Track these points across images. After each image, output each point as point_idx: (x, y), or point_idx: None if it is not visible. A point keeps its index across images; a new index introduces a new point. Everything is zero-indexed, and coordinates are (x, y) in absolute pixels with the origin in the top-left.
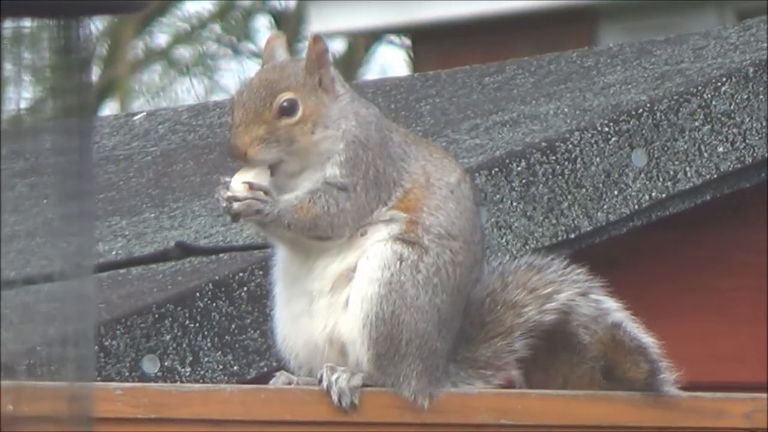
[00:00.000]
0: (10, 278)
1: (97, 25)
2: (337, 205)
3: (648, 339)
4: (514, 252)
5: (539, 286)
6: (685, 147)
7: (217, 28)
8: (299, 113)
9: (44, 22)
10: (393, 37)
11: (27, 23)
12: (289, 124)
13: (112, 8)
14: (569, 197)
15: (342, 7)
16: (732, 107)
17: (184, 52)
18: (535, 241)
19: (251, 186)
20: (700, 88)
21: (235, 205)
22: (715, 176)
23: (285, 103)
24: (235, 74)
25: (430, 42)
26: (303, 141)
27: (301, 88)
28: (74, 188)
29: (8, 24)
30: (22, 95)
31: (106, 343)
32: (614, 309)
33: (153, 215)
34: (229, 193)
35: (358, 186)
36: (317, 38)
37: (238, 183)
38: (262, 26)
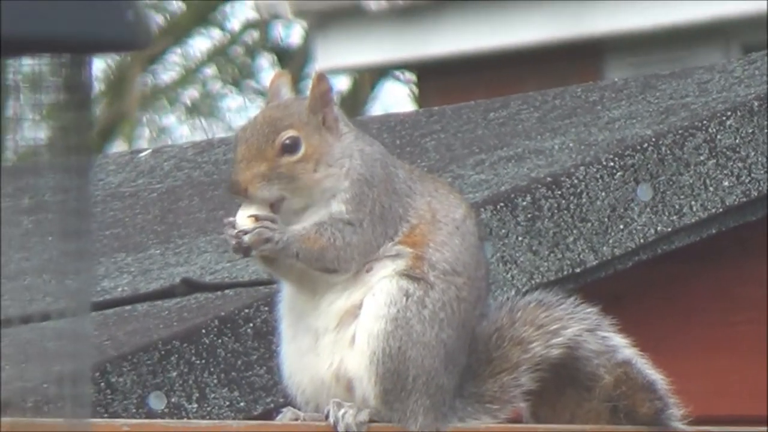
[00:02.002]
0: (10, 316)
1: (105, 61)
2: (343, 239)
3: (656, 375)
4: (520, 287)
5: (547, 323)
6: (691, 181)
7: (220, 66)
8: (301, 151)
9: (46, 60)
10: (398, 73)
11: (29, 61)
12: (291, 161)
13: (116, 46)
14: (575, 232)
15: (347, 43)
16: (737, 141)
17: (188, 91)
18: (540, 276)
19: (257, 218)
20: (705, 122)
21: (246, 237)
22: (721, 210)
23: (287, 141)
24: (240, 112)
25: (434, 77)
26: (305, 179)
27: (305, 127)
28: (74, 226)
29: (10, 62)
30: (24, 134)
31: (113, 380)
32: (622, 345)
33: (158, 251)
34: (237, 229)
35: (365, 222)
36: (321, 77)
37: (244, 218)
38: (267, 64)
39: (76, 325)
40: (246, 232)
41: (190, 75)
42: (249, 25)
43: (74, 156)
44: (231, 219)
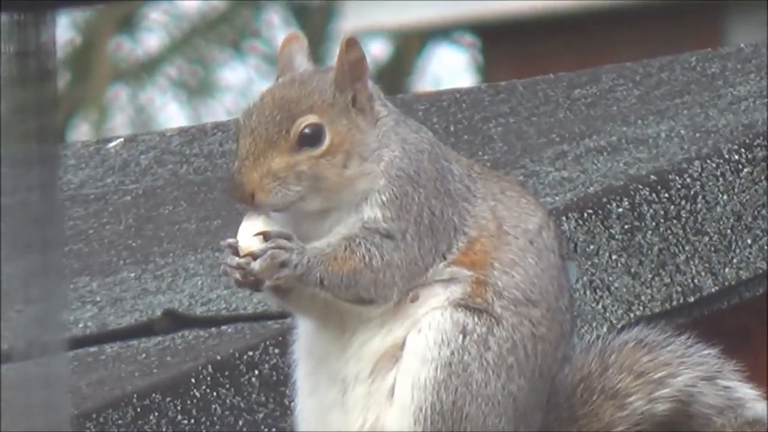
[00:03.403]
0: None
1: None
2: (381, 258)
3: None
4: (614, 321)
5: (650, 370)
6: None
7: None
8: (326, 142)
9: None
10: (455, 35)
11: None
12: (313, 156)
13: None
14: (687, 248)
15: None
16: None
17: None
18: (641, 307)
19: (267, 235)
20: None
21: (255, 265)
22: None
23: (307, 130)
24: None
25: (502, 42)
26: (332, 178)
27: (329, 109)
28: (36, 237)
29: None
30: None
31: None
32: (751, 398)
33: (133, 274)
34: (241, 255)
35: (408, 233)
36: (351, 42)
37: (248, 236)
38: (277, 21)
39: (47, 367)
40: (255, 257)
41: (176, 39)
42: None
43: (35, 143)
44: (231, 240)
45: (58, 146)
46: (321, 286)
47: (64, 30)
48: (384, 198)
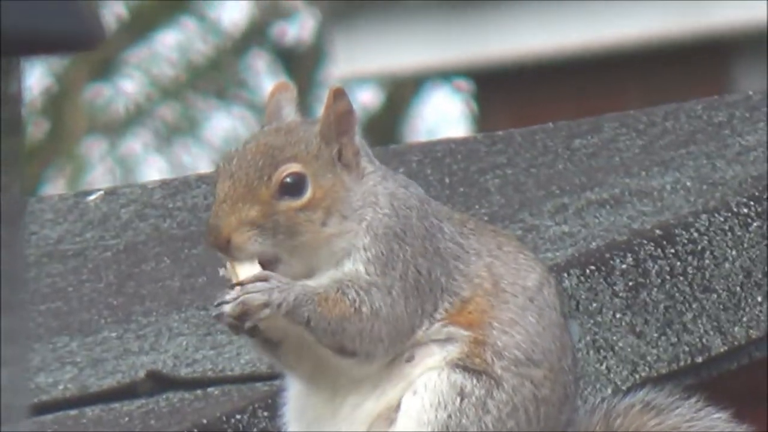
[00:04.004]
0: None
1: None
2: (371, 306)
3: None
4: (619, 383)
5: None
6: None
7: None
8: (307, 194)
9: None
10: (449, 81)
11: None
12: (293, 207)
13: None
14: (694, 306)
15: (378, 39)
16: None
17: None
18: (647, 368)
19: (243, 282)
20: None
21: (227, 307)
22: None
23: (288, 179)
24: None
25: (499, 88)
26: (310, 234)
27: (313, 161)
28: (2, 298)
29: None
30: None
31: None
32: None
33: (115, 334)
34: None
35: (394, 290)
36: (339, 93)
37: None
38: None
39: None
40: (225, 302)
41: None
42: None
43: (1, 197)
44: (227, 291)
45: (27, 200)
46: (307, 327)
47: (40, 77)
48: (369, 255)
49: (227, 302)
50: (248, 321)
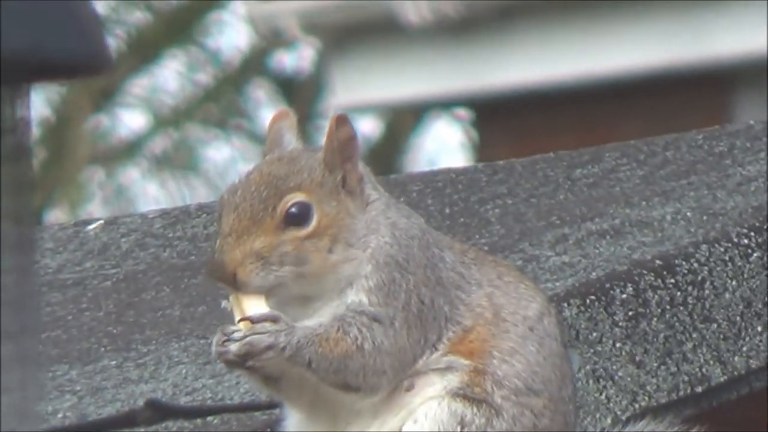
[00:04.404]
0: None
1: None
2: (372, 342)
3: None
4: (618, 412)
5: None
6: None
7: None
8: (313, 223)
9: None
10: (449, 112)
11: None
12: (299, 237)
13: (64, 70)
14: (694, 336)
15: (378, 69)
16: None
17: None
18: (647, 397)
19: (252, 320)
20: None
21: (233, 346)
22: None
23: (294, 209)
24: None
25: (499, 118)
26: (316, 262)
27: (317, 189)
28: (15, 324)
29: None
30: None
31: None
32: None
33: (114, 363)
34: (222, 336)
35: (397, 320)
36: (341, 120)
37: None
38: (264, 98)
39: None
40: (233, 339)
41: (158, 114)
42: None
43: (11, 226)
44: (229, 328)
45: (36, 228)
46: (308, 368)
47: (40, 107)
48: (371, 284)
49: (235, 340)
50: (250, 361)
